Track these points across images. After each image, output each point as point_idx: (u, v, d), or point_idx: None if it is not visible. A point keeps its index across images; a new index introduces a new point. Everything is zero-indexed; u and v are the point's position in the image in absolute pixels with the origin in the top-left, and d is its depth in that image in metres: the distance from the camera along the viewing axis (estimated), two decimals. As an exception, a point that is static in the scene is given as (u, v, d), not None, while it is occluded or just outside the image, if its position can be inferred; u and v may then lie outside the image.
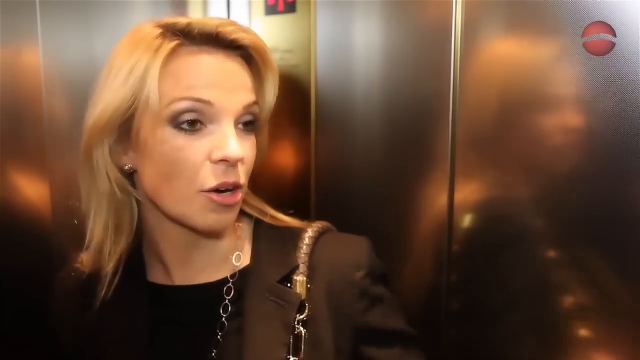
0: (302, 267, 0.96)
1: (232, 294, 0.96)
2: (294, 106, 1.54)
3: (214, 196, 0.87)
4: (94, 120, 0.88)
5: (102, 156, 0.91)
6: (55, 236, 1.44)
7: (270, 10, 1.60)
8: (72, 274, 1.04)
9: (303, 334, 0.92)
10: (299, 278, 0.95)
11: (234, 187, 0.88)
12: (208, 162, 0.86)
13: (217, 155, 0.86)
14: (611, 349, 1.07)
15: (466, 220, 1.27)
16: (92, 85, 0.92)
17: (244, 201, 1.01)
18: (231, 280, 0.97)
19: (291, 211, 1.07)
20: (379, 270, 1.01)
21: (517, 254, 1.18)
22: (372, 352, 0.97)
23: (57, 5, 1.39)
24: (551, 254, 1.14)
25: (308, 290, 0.94)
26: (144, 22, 0.92)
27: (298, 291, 0.94)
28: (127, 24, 1.45)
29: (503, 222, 1.20)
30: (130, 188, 0.94)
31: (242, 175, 0.89)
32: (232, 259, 0.99)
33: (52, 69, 1.39)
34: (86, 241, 0.97)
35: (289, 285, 0.95)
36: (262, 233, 1.01)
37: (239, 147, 0.86)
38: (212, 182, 0.86)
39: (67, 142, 1.41)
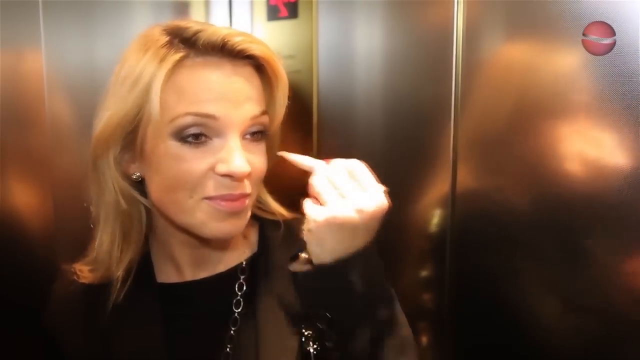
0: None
1: (243, 285, 0.97)
2: (296, 112, 1.51)
3: (219, 202, 0.86)
4: (99, 130, 0.88)
5: (108, 166, 0.90)
6: (58, 238, 1.44)
7: (273, 15, 1.61)
8: (70, 286, 1.01)
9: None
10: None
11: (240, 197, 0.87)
12: (212, 173, 0.85)
13: (222, 169, 0.84)
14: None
15: (467, 225, 1.27)
16: (94, 87, 0.90)
17: (258, 207, 1.01)
18: (241, 267, 0.98)
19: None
20: None
21: (517, 257, 1.18)
22: None
23: (60, 8, 1.40)
24: (552, 257, 1.13)
25: None
26: (154, 26, 0.89)
27: None
28: (129, 27, 1.47)
29: (504, 225, 1.20)
30: (138, 196, 0.93)
31: (248, 186, 0.87)
32: (242, 251, 1.00)
33: (55, 72, 1.40)
34: (92, 248, 0.97)
35: None
36: (270, 226, 1.01)
37: (244, 162, 0.84)
38: (216, 192, 0.85)
39: (69, 145, 1.41)
